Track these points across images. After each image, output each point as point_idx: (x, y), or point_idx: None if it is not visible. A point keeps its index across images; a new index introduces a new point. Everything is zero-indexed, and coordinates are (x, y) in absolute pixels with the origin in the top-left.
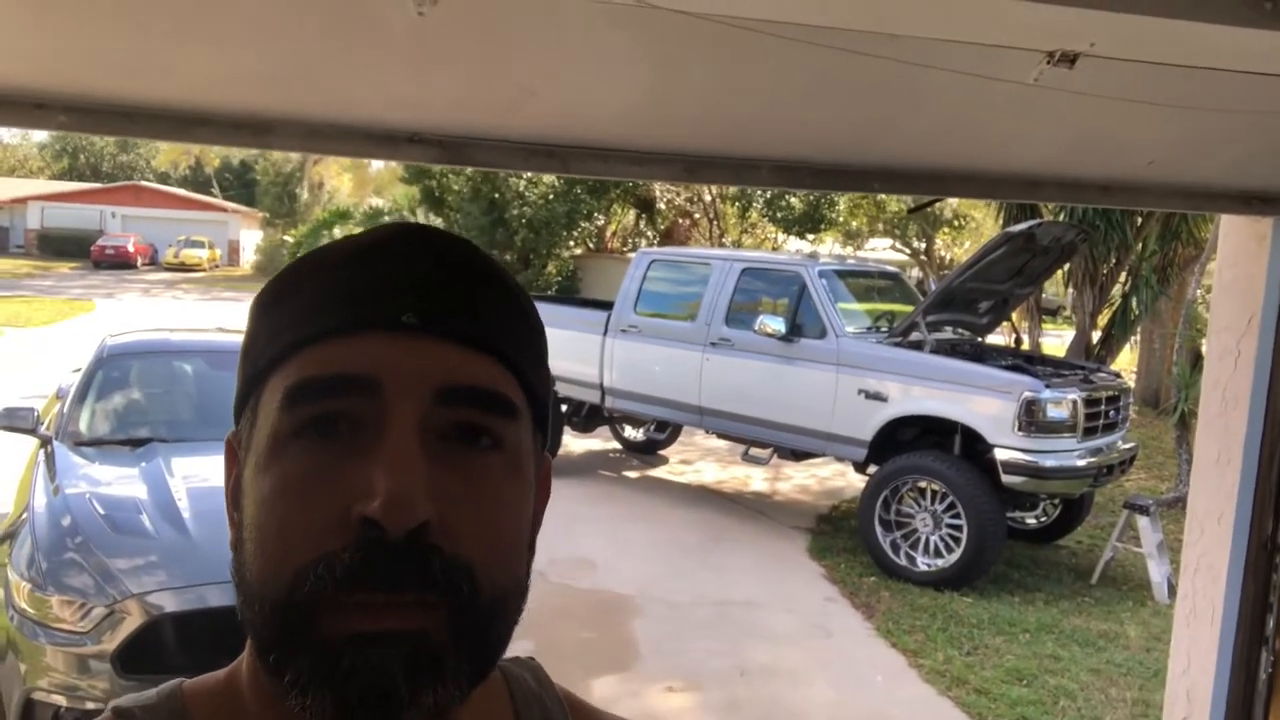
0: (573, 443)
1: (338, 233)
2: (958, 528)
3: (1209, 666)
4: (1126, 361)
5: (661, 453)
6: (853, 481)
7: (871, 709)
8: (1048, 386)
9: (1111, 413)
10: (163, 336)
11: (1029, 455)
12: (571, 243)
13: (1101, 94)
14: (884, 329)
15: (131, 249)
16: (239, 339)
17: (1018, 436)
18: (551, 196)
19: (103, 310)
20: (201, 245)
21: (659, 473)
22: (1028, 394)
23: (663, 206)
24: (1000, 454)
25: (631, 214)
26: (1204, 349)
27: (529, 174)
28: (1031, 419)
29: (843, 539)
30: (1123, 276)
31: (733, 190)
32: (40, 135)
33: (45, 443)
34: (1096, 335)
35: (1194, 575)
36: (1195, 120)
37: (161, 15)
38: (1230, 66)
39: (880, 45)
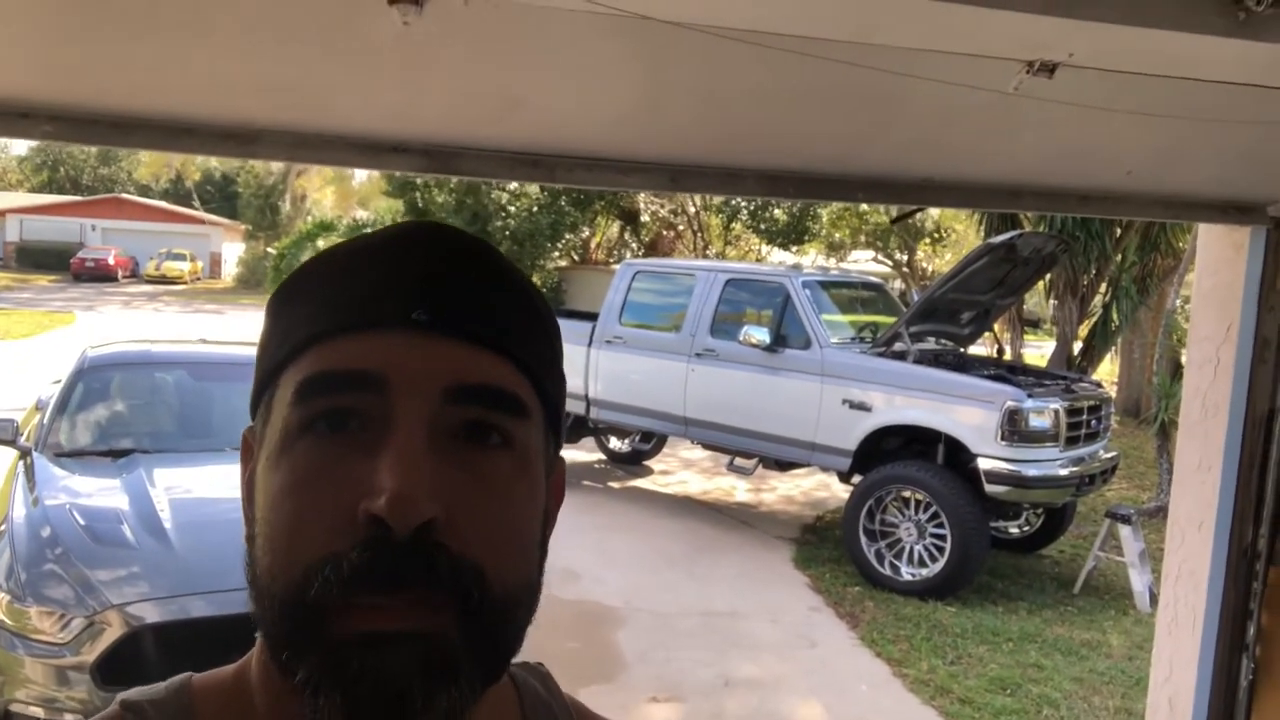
0: None
1: (321, 245)
2: (942, 537)
3: (1190, 674)
4: (1107, 372)
5: (646, 463)
6: (837, 492)
7: (856, 719)
8: (1030, 396)
9: (1093, 422)
10: (144, 348)
11: (1012, 465)
12: (556, 254)
13: (1080, 103)
14: (868, 339)
15: (112, 261)
16: (221, 350)
17: (1001, 446)
18: (535, 209)
19: (83, 323)
20: (183, 258)
21: (644, 483)
22: (1010, 404)
23: (647, 218)
24: (983, 463)
25: (616, 226)
26: (1184, 358)
27: (512, 186)
28: (1014, 428)
29: (827, 549)
30: (1103, 287)
31: (717, 202)
32: (20, 147)
33: (25, 454)
34: (1078, 346)
35: (1175, 583)
36: (1172, 130)
37: (148, 26)
38: (1206, 76)
39: (864, 56)
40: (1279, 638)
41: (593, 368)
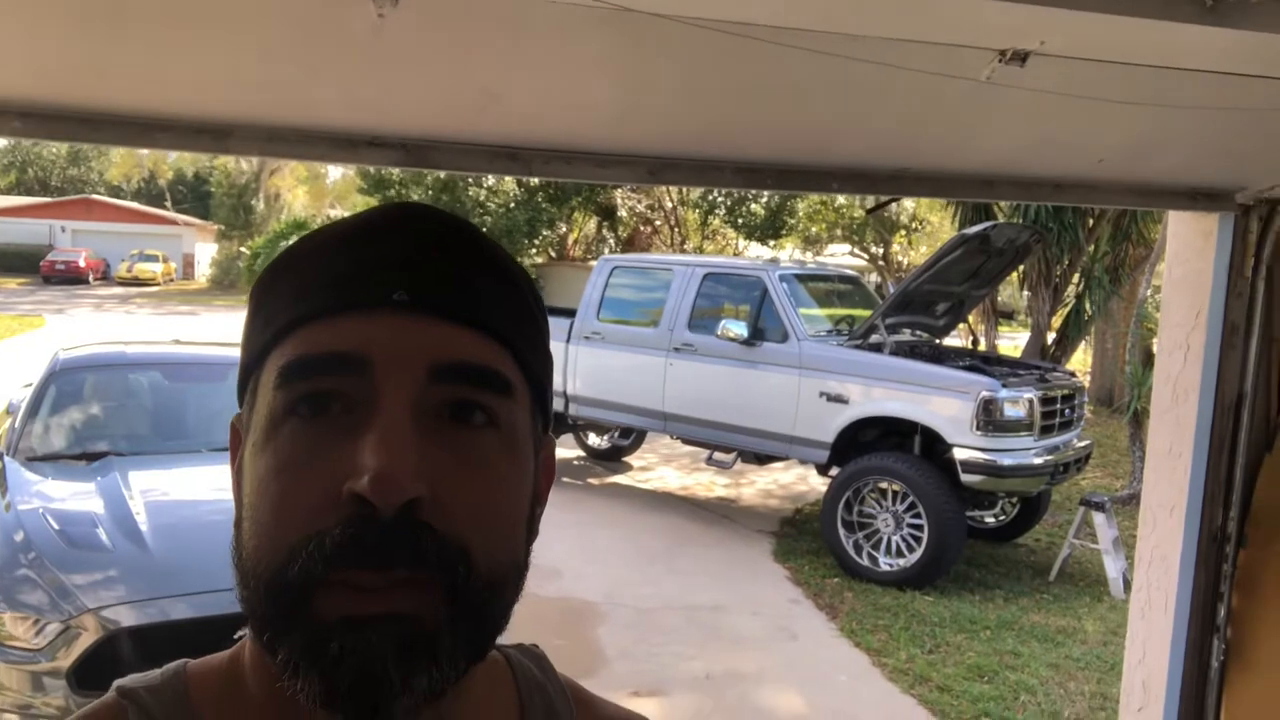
0: None
1: None
2: (919, 527)
3: (1163, 656)
4: (1081, 361)
5: (626, 460)
6: (815, 486)
7: (836, 709)
8: (1004, 386)
9: (1067, 411)
10: (117, 349)
11: (987, 454)
12: (533, 251)
13: (1052, 90)
14: (844, 332)
15: (83, 264)
16: (196, 351)
17: (976, 436)
18: (512, 205)
19: (53, 326)
20: (155, 259)
21: (623, 479)
22: (985, 394)
23: (624, 214)
24: (959, 453)
25: (593, 222)
26: (1155, 347)
27: (489, 183)
28: (989, 418)
29: (806, 541)
30: (1076, 277)
31: (694, 196)
32: None
33: None
34: (1051, 336)
35: (1148, 567)
36: (1143, 118)
37: (119, 20)
38: (1175, 64)
39: (839, 46)
40: (1249, 619)
41: (571, 364)
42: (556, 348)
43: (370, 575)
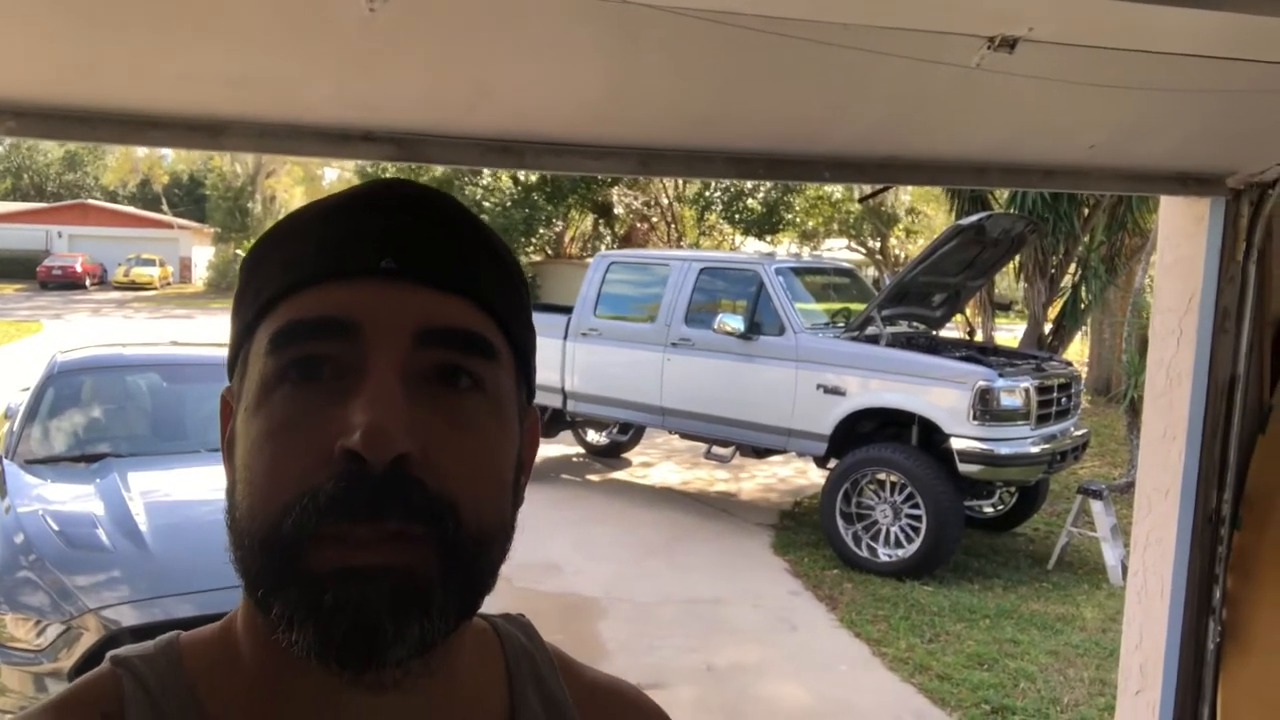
0: None
1: None
2: (917, 518)
3: (1160, 640)
4: (1077, 351)
5: (624, 455)
6: (814, 479)
7: (837, 699)
8: (1001, 375)
9: (1064, 400)
10: (115, 351)
11: (984, 444)
12: (530, 249)
13: (1041, 76)
14: (841, 324)
15: (79, 269)
16: (193, 352)
17: (973, 425)
18: (509, 203)
19: (51, 331)
20: (152, 263)
21: (622, 475)
22: (982, 383)
23: (620, 210)
24: (956, 443)
25: (589, 219)
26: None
27: (486, 181)
28: (986, 408)
29: (805, 534)
30: (1072, 267)
31: (690, 192)
32: None
33: None
34: (1048, 326)
35: (1144, 551)
36: (1133, 103)
37: (111, 17)
38: (1164, 48)
39: (830, 34)
40: (1245, 601)
41: (568, 361)
42: (554, 345)
43: (362, 528)
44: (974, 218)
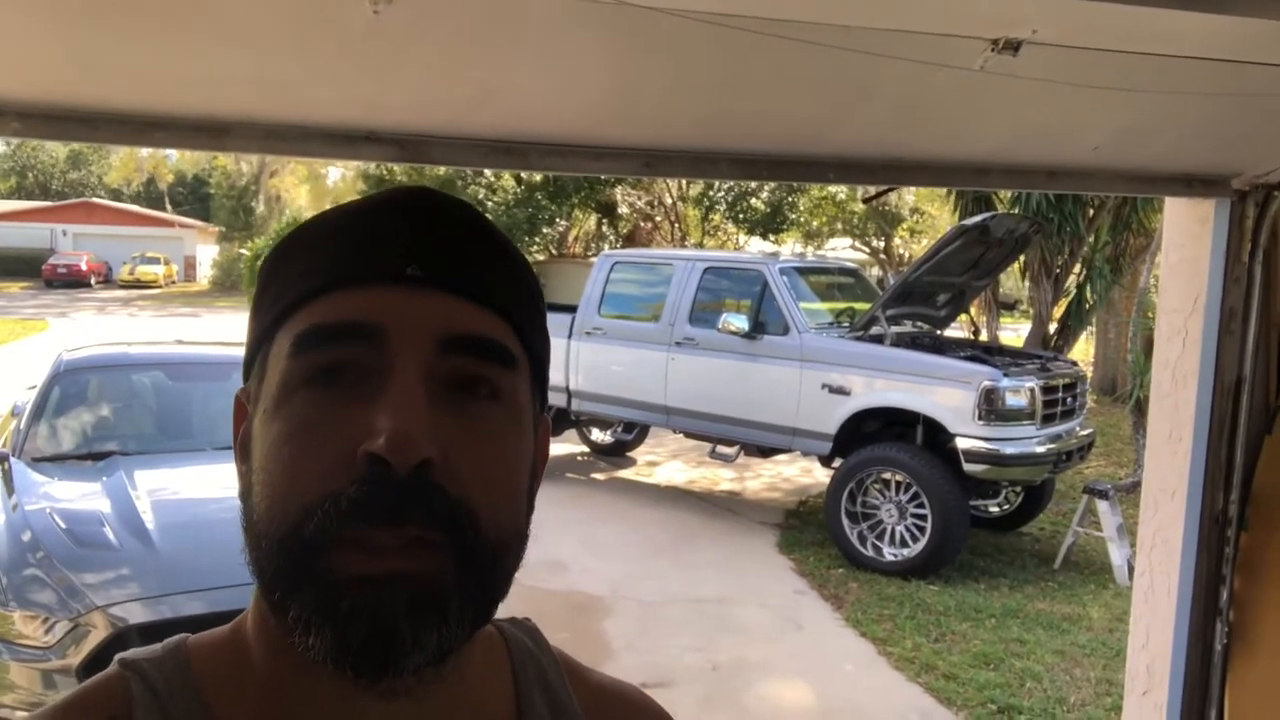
0: None
1: None
2: (922, 517)
3: (1166, 640)
4: (1082, 351)
5: (629, 454)
6: (819, 478)
7: (843, 698)
8: (1006, 375)
9: (1069, 400)
10: (121, 350)
11: (990, 443)
12: (533, 248)
13: (1045, 79)
14: (845, 324)
15: (84, 267)
16: (199, 351)
17: (978, 425)
18: (512, 203)
19: (56, 329)
20: (157, 261)
21: (627, 474)
22: (987, 383)
23: (624, 210)
24: (962, 443)
25: (593, 218)
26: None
27: (488, 181)
28: (991, 407)
29: (810, 533)
30: (1077, 268)
31: (694, 192)
32: None
33: (2, 460)
34: (1053, 326)
35: (1150, 552)
36: (1137, 105)
37: (117, 19)
38: (1168, 51)
39: (833, 37)
40: (1251, 602)
41: (573, 360)
42: (558, 344)
43: (384, 532)
44: (978, 218)
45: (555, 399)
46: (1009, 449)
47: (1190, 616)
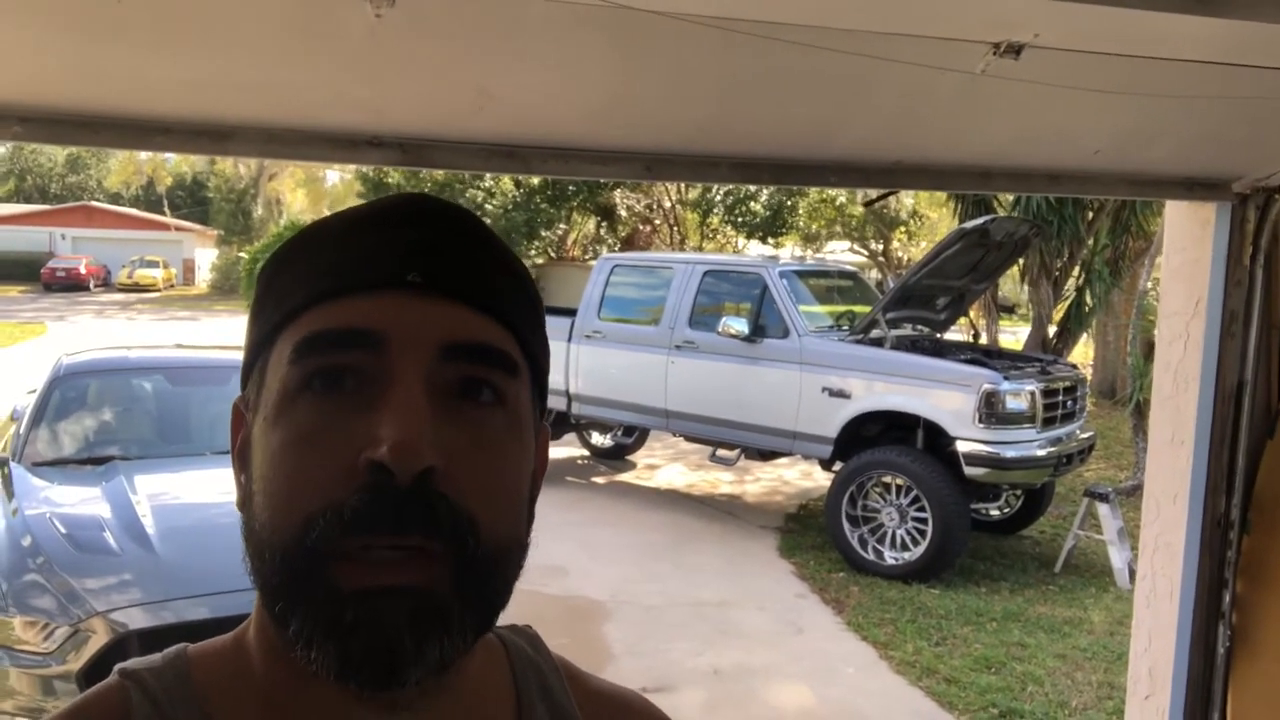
0: None
1: None
2: (923, 521)
3: (1169, 644)
4: (1082, 354)
5: (629, 458)
6: (819, 481)
7: (844, 702)
8: (1006, 378)
9: (1069, 403)
10: (120, 354)
11: (990, 446)
12: (533, 252)
13: (1046, 82)
14: (845, 327)
15: (83, 270)
16: (198, 355)
17: (978, 428)
18: (511, 206)
19: (55, 333)
20: (156, 265)
21: (627, 477)
22: (987, 386)
23: (623, 213)
24: (962, 446)
25: (592, 222)
26: (1156, 337)
27: (487, 184)
28: (991, 411)
29: (811, 536)
30: (1076, 270)
31: (693, 196)
32: None
33: (1, 465)
34: (1053, 329)
35: (1152, 555)
36: (1138, 108)
37: (118, 23)
38: (1169, 55)
39: (834, 40)
40: (1254, 605)
41: (573, 363)
42: (558, 347)
43: (386, 541)
44: (978, 221)
45: (555, 402)
46: (1009, 452)
47: (1192, 620)
